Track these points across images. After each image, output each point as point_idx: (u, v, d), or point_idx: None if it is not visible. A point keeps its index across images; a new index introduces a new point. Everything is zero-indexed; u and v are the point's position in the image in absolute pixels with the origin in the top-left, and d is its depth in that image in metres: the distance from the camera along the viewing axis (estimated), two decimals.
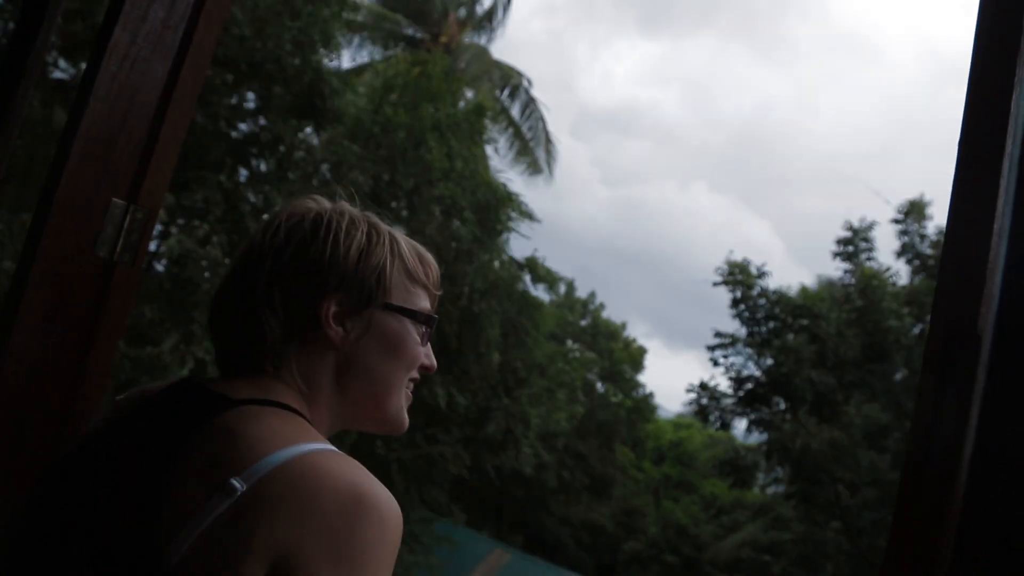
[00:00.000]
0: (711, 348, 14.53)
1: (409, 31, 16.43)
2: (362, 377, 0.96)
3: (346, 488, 0.77)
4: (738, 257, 14.31)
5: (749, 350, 14.00)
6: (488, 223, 10.03)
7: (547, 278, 11.57)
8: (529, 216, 11.29)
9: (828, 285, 14.47)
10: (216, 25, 1.36)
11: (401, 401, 1.00)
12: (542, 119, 16.62)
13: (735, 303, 14.11)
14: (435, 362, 1.04)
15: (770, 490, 17.24)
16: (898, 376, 12.92)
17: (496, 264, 10.76)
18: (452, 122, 10.31)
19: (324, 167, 9.45)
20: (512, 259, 11.29)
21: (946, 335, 0.66)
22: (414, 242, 1.06)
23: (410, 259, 1.01)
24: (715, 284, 14.31)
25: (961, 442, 0.64)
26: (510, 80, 16.58)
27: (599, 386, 19.64)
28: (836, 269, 14.91)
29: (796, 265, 51.28)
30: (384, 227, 1.02)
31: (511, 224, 11.03)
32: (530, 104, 16.59)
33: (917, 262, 13.92)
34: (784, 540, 15.02)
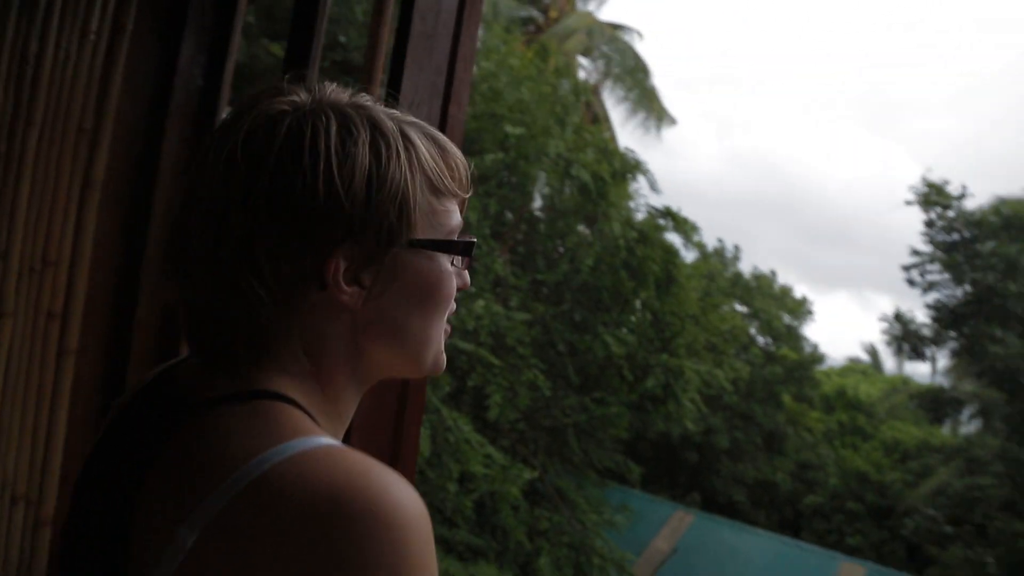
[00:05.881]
0: (906, 268, 13.98)
1: (522, 13, 16.52)
2: (390, 335, 0.73)
3: (324, 494, 0.56)
4: (874, 183, 13.73)
5: (947, 274, 13.24)
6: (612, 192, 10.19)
7: (685, 227, 11.45)
8: (652, 185, 11.39)
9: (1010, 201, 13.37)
10: None
11: (441, 345, 0.78)
12: (649, 78, 16.08)
13: (929, 224, 13.46)
14: (469, 279, 0.80)
15: (963, 430, 16.15)
16: None
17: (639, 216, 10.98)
18: (562, 102, 10.49)
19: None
20: (653, 208, 11.37)
21: None
22: (429, 129, 0.76)
23: (431, 166, 0.73)
24: (907, 203, 13.76)
25: None
26: (616, 39, 16.19)
27: (760, 340, 19.11)
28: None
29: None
30: (390, 125, 0.71)
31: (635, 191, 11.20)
32: (638, 63, 16.14)
33: None
34: (986, 484, 14.00)
